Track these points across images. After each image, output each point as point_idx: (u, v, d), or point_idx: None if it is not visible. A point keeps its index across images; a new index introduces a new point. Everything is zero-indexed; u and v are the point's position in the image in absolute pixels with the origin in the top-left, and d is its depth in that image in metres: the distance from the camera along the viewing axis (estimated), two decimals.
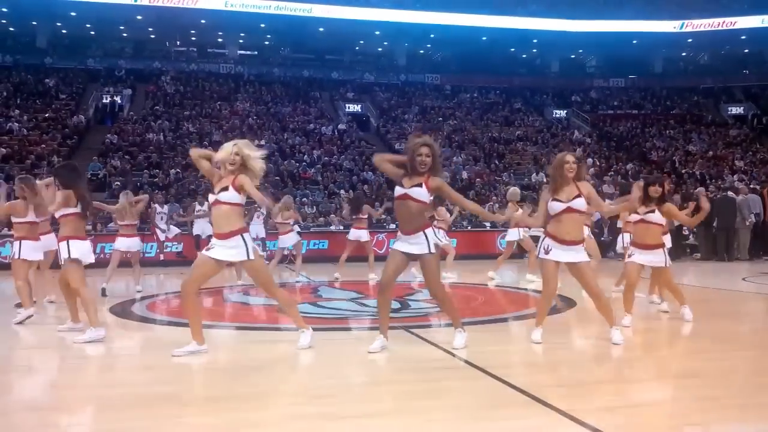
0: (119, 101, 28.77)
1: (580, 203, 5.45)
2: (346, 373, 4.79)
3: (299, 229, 12.42)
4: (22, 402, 4.08)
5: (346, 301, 8.95)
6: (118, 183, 18.56)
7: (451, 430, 3.41)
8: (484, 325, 6.76)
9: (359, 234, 11.68)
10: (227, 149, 5.10)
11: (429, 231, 5.20)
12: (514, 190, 11.47)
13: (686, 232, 16.50)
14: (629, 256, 6.67)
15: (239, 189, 5.04)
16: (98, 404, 3.94)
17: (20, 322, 6.78)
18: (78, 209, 6.12)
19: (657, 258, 6.55)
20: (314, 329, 5.44)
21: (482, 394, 4.05)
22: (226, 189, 5.05)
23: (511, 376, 4.30)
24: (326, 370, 4.82)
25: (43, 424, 3.62)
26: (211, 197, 5.13)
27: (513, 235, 11.17)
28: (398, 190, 5.18)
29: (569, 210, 5.44)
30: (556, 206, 5.48)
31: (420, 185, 5.10)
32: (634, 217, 6.76)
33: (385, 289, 5.25)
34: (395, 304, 8.45)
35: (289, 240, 11.21)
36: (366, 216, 11.75)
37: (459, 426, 3.45)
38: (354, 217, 11.79)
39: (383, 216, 16.47)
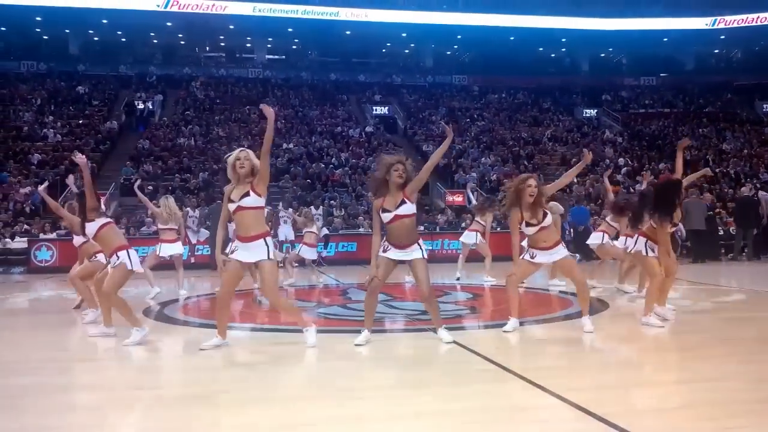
0: (150, 107, 29.22)
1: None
2: (378, 375, 4.78)
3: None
4: (58, 403, 4.15)
5: None
6: (150, 187, 18.83)
7: None
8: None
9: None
10: (234, 155, 5.25)
11: (421, 242, 5.49)
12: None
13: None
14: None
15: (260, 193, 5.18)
16: (133, 406, 3.99)
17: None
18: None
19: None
20: (344, 331, 5.44)
21: (515, 396, 4.02)
22: (247, 194, 5.16)
23: (542, 378, 4.26)
24: (358, 372, 4.82)
25: (78, 426, 3.68)
26: (232, 205, 5.20)
27: (469, 237, 11.41)
28: (387, 216, 5.33)
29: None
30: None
31: (404, 202, 5.31)
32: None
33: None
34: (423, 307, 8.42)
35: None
36: None
37: (495, 429, 3.43)
38: None
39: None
